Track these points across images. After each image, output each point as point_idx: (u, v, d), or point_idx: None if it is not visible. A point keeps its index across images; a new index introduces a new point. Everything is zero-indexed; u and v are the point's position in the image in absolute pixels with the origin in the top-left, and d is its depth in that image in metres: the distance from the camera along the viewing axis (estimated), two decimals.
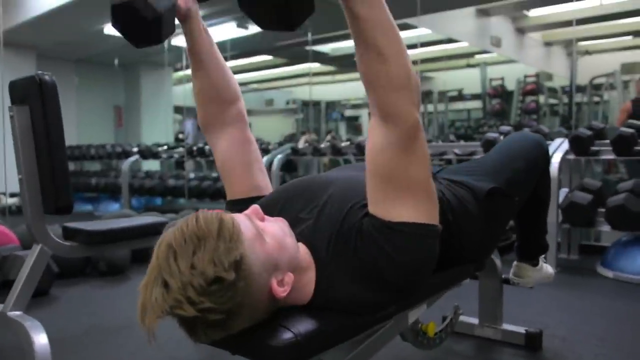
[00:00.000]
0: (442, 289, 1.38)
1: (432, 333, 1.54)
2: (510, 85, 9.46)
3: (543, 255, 1.81)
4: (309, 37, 7.06)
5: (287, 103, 12.79)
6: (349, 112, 12.51)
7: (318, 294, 1.02)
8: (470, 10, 8.35)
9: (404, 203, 0.98)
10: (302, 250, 1.03)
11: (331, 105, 11.78)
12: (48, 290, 2.70)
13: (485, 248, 1.45)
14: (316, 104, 11.07)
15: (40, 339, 1.63)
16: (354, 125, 12.40)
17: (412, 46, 7.54)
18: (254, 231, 0.93)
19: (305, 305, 1.02)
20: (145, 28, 1.12)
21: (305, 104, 10.87)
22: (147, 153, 6.39)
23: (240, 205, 1.20)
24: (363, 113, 12.29)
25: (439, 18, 7.48)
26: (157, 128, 9.00)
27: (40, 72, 1.82)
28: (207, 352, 1.94)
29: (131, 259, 3.21)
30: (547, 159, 1.60)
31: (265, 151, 5.05)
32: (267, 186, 1.31)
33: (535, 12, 9.07)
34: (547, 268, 1.82)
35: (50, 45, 7.51)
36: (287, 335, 0.92)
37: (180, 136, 9.39)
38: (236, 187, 1.30)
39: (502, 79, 9.58)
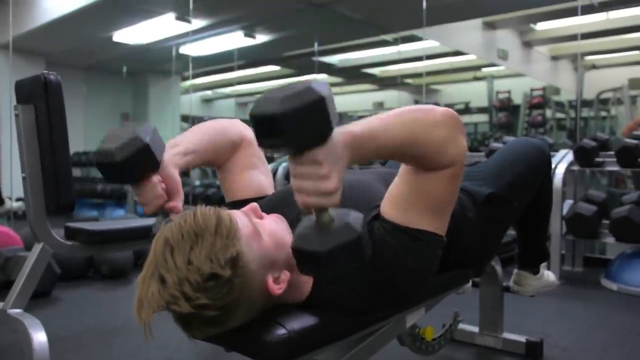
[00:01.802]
0: (440, 292, 1.37)
1: (430, 337, 1.53)
2: (517, 99, 9.46)
3: (545, 264, 1.80)
4: (316, 47, 7.09)
5: None
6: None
7: (315, 293, 1.02)
8: (477, 23, 8.38)
9: (428, 216, 0.99)
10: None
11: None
12: (50, 292, 2.71)
13: (484, 253, 1.45)
14: None
15: (39, 337, 1.63)
16: None
17: (418, 58, 7.58)
18: (251, 228, 0.93)
19: (301, 303, 1.02)
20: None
21: None
22: None
23: (240, 205, 1.20)
24: None
25: (445, 30, 7.51)
26: (164, 136, 8.94)
27: (45, 71, 1.84)
28: (206, 353, 1.94)
29: (134, 263, 3.22)
30: (548, 164, 1.58)
31: (270, 159, 5.07)
32: (269, 188, 1.31)
33: (541, 26, 9.08)
34: (548, 276, 1.80)
35: (60, 52, 7.58)
36: (281, 331, 0.91)
37: None
38: (235, 188, 1.30)
39: (509, 92, 9.57)
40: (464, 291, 1.93)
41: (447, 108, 0.96)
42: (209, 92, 12.42)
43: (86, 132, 8.44)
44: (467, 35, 8.38)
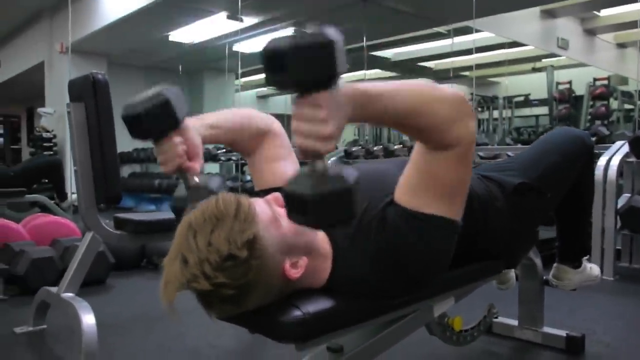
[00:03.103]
0: (469, 282, 1.36)
1: (458, 328, 1.52)
2: (580, 90, 9.07)
3: (587, 257, 1.74)
4: (364, 42, 7.07)
5: None
6: None
7: (334, 280, 1.04)
8: (534, 12, 8.10)
9: (440, 200, 0.99)
10: (321, 237, 1.06)
11: None
12: (105, 280, 2.86)
13: (514, 244, 1.42)
14: None
15: (88, 319, 1.74)
16: None
17: (468, 51, 7.42)
18: (270, 214, 0.96)
19: (320, 288, 1.05)
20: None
21: None
22: (207, 156, 6.62)
23: (267, 194, 1.24)
24: None
25: (501, 21, 7.31)
26: None
27: (94, 71, 1.95)
28: (246, 340, 2.00)
29: None
30: (588, 155, 1.53)
31: None
32: None
33: (606, 12, 8.68)
34: (591, 270, 1.74)
35: (120, 53, 7.92)
36: (296, 313, 0.94)
37: None
38: (263, 178, 1.34)
39: (570, 82, 9.20)
40: (508, 286, 1.90)
41: (458, 91, 0.97)
42: (264, 89, 12.65)
43: None
44: (524, 25, 8.12)
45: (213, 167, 7.62)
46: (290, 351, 1.80)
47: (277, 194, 1.05)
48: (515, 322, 1.98)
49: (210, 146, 7.22)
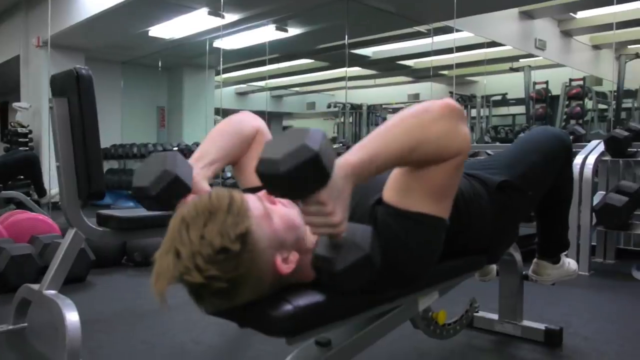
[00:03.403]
0: (453, 276, 1.39)
1: (442, 322, 1.55)
2: (557, 90, 9.22)
3: (565, 252, 1.79)
4: (346, 40, 7.09)
5: (329, 106, 12.86)
6: (390, 117, 12.45)
7: None
8: (513, 13, 8.21)
9: (429, 199, 1.02)
10: (310, 233, 1.07)
11: (372, 108, 11.75)
12: (85, 277, 2.83)
13: (497, 241, 1.45)
14: (357, 107, 11.08)
15: (72, 317, 1.72)
16: None
17: (448, 50, 7.49)
18: (262, 210, 0.98)
19: (310, 283, 1.06)
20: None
21: (353, 107, 10.86)
22: (187, 152, 6.57)
23: (254, 192, 1.25)
24: None
25: (480, 21, 7.39)
26: (198, 128, 9.22)
27: (78, 66, 1.93)
28: (231, 336, 2.01)
29: None
30: (568, 153, 1.57)
31: None
32: None
33: (582, 14, 8.83)
34: (569, 265, 1.79)
35: (98, 47, 7.81)
36: (286, 307, 0.96)
37: None
38: (249, 177, 1.35)
39: (547, 82, 9.34)
40: (489, 278, 1.95)
41: (445, 99, 0.99)
42: (243, 86, 12.58)
43: (123, 125, 8.68)
44: (503, 26, 8.23)
45: None
46: (274, 347, 1.83)
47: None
48: (495, 316, 2.03)
49: None
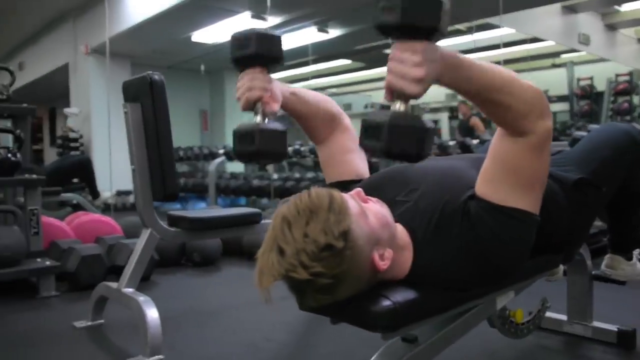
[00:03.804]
0: (530, 276, 1.39)
1: (520, 320, 1.56)
2: (601, 86, 9.00)
3: (637, 252, 1.77)
4: (384, 40, 7.07)
5: (365, 107, 12.85)
6: (427, 116, 12.39)
7: (414, 272, 1.09)
8: (556, 8, 8.07)
9: (519, 192, 1.05)
10: (400, 230, 1.10)
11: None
12: (150, 276, 2.92)
13: (573, 239, 1.45)
14: None
15: (152, 313, 1.80)
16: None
17: (493, 47, 7.40)
18: (358, 208, 1.01)
19: (402, 280, 1.09)
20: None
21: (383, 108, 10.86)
22: (233, 155, 6.66)
23: (339, 186, 1.28)
24: (442, 117, 12.13)
25: (522, 17, 7.28)
26: None
27: (150, 72, 2.01)
28: (300, 333, 2.05)
29: (222, 251, 3.41)
30: (637, 148, 1.56)
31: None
32: (365, 172, 1.39)
33: (627, 7, 8.61)
34: None
35: (143, 53, 8.01)
36: (386, 302, 0.99)
37: None
38: (336, 170, 1.39)
39: (591, 78, 9.13)
40: (556, 278, 1.93)
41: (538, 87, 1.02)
42: None
43: None
44: (545, 21, 8.08)
45: (238, 166, 7.68)
46: (346, 346, 1.86)
47: (360, 189, 1.10)
48: (563, 317, 2.01)
49: None
